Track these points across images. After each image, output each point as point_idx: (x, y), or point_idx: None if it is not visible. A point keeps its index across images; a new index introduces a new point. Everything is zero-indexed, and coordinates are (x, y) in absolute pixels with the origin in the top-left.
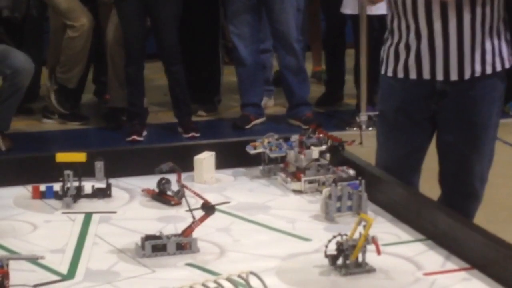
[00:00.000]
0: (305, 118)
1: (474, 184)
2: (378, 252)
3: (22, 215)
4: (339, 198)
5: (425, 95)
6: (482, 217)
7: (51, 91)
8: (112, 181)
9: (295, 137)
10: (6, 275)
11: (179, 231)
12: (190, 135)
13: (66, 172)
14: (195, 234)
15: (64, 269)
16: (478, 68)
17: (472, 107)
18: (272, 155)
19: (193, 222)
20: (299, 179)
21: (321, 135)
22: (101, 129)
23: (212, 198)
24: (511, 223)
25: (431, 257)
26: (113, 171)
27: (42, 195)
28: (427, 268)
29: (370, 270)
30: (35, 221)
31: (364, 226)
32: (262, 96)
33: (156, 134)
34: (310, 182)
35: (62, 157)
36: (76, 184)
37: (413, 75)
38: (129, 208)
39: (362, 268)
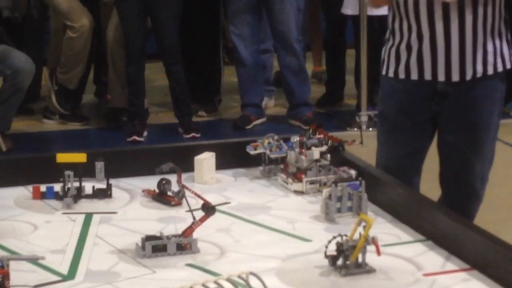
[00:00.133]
0: (306, 118)
1: (474, 184)
2: (378, 252)
3: (23, 215)
4: (339, 199)
5: (426, 96)
6: (482, 217)
7: (52, 91)
8: (112, 181)
9: (295, 138)
10: (6, 276)
11: (180, 231)
12: (190, 135)
13: (67, 172)
14: (196, 234)
15: (64, 270)
16: (479, 68)
17: (473, 108)
18: (273, 156)
19: (193, 223)
20: (300, 180)
21: (321, 136)
22: (102, 129)
23: (213, 199)
24: (511, 223)
25: (431, 257)
26: (113, 172)
27: (43, 196)
28: (427, 269)
29: (370, 270)
30: (36, 221)
31: (364, 227)
32: (262, 97)
33: (156, 134)
34: (312, 182)
35: (62, 157)
36: (76, 184)
37: (414, 76)
38: (130, 209)
39: (362, 268)
